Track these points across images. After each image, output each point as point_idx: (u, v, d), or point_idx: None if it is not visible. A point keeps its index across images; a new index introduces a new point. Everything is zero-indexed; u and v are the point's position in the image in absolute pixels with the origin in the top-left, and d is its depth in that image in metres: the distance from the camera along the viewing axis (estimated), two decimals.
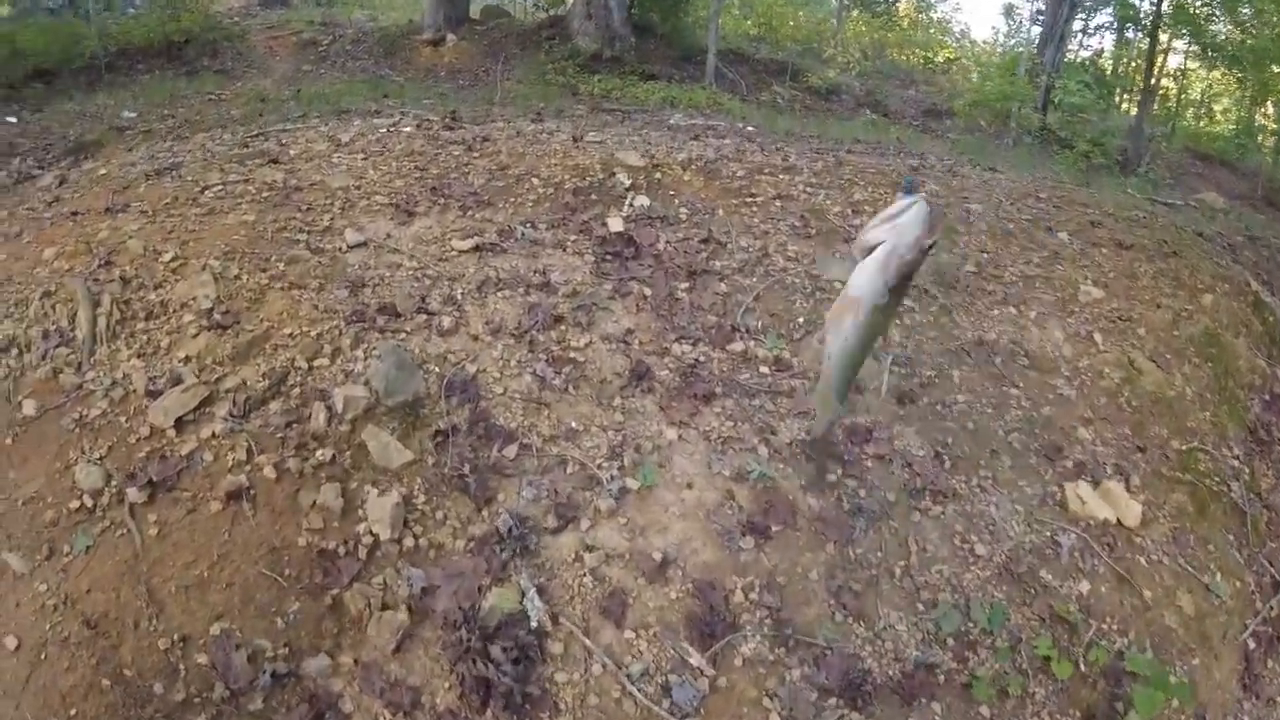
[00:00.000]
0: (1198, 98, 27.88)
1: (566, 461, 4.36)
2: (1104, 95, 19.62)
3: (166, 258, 5.24)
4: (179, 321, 4.80)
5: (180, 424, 4.26)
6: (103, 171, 7.45)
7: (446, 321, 4.96)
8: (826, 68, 19.38)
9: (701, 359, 5.00)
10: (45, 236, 5.67)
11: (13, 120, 13.69)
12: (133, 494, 3.97)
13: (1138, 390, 5.70)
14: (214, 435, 4.22)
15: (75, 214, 6.05)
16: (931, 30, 30.45)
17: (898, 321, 5.53)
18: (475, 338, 4.91)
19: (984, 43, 33.24)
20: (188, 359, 4.59)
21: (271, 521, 3.96)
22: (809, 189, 7.16)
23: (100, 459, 4.13)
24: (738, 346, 5.13)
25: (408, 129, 8.39)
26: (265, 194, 6.27)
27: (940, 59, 27.02)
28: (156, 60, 18.33)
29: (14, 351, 4.64)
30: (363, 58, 18.79)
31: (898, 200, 1.94)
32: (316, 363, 4.63)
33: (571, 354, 4.88)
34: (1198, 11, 19.63)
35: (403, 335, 4.83)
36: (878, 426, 4.79)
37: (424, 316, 4.99)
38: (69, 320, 4.77)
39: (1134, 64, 25.15)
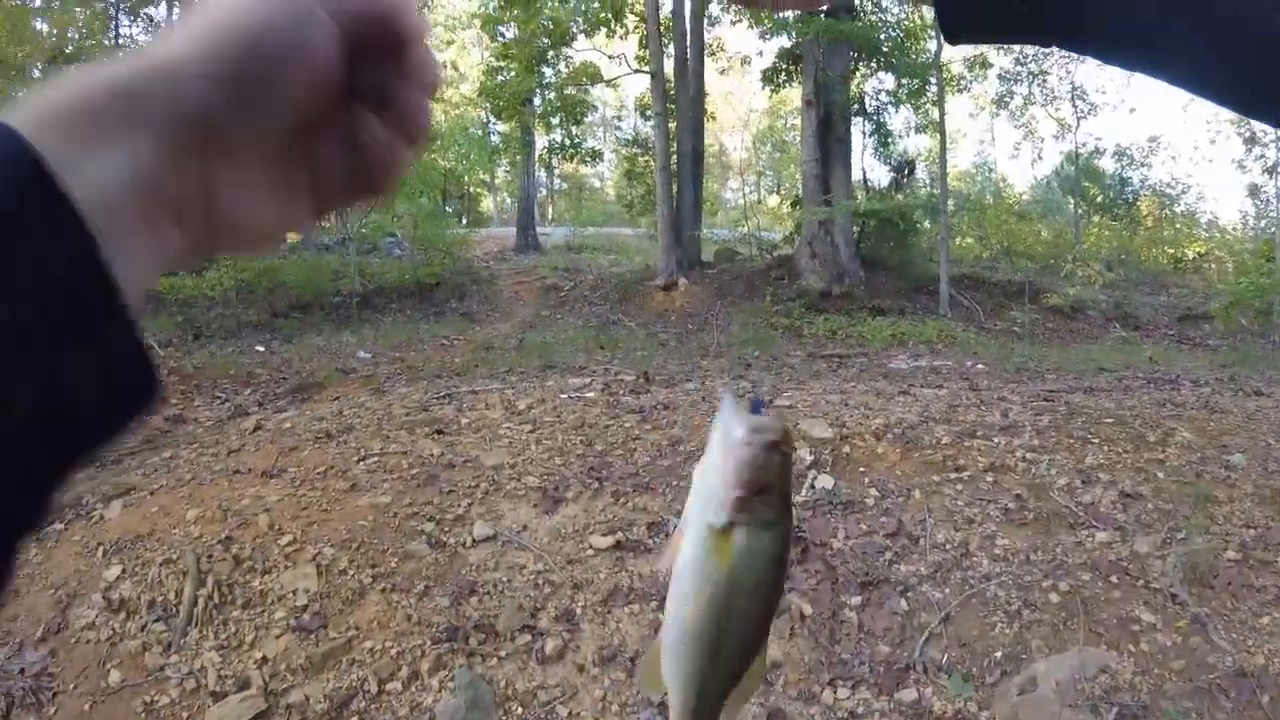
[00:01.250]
0: None
1: None
2: None
3: (285, 540, 5.04)
4: (270, 616, 4.51)
5: None
6: (288, 425, 7.47)
7: (551, 645, 4.21)
8: (1068, 284, 18.04)
9: (859, 709, 3.91)
10: (201, 494, 5.72)
11: (261, 349, 14.60)
12: None
13: None
14: None
15: (238, 472, 6.08)
16: (1178, 225, 28.36)
17: (1130, 649, 4.25)
18: (581, 668, 4.11)
19: (1233, 229, 30.74)
20: (264, 660, 4.24)
21: None
22: (1030, 455, 6.05)
23: None
24: (909, 694, 4.00)
25: (592, 393, 7.98)
26: (414, 470, 5.98)
27: (1191, 254, 24.97)
28: (408, 300, 19.45)
29: (122, 615, 4.60)
30: (599, 303, 19.19)
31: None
32: (389, 686, 4.05)
33: None
34: None
35: (494, 661, 4.11)
36: None
37: (528, 637, 4.28)
38: (175, 594, 4.70)
39: None
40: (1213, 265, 23.66)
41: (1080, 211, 27.16)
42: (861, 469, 5.93)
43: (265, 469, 6.09)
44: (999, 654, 4.24)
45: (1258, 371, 10.56)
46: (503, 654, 4.18)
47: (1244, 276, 16.26)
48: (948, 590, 4.69)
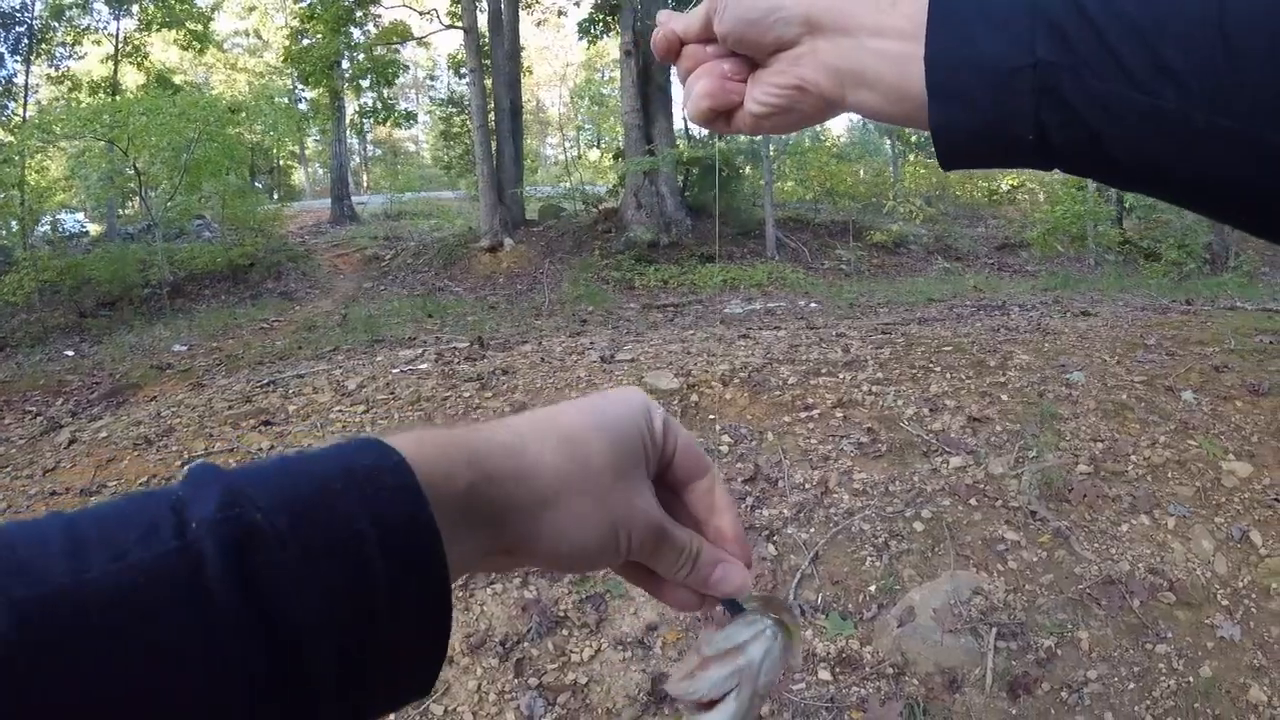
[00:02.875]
0: None
1: None
2: None
3: None
4: None
5: None
6: (104, 435, 6.89)
7: None
8: (890, 221, 18.56)
9: None
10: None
11: (71, 354, 13.71)
12: None
13: None
14: None
15: (55, 493, 5.57)
16: None
17: (999, 568, 4.29)
18: (450, 660, 3.84)
19: None
20: None
21: None
22: (875, 388, 6.07)
23: None
24: None
25: (425, 365, 7.64)
26: None
27: (1005, 187, 26.21)
28: (222, 285, 18.49)
29: None
30: (423, 270, 18.68)
31: (727, 625, 0.83)
32: None
33: (570, 674, 3.75)
34: None
35: None
36: None
37: None
38: None
39: None
40: (1026, 196, 24.83)
41: (898, 151, 28.00)
42: (711, 416, 5.84)
43: (84, 486, 5.60)
44: (873, 588, 4.21)
45: (1079, 293, 11.07)
46: None
47: (1058, 205, 17.07)
48: (813, 530, 4.63)
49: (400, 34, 24.17)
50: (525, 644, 3.89)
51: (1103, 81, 0.55)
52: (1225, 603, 4.30)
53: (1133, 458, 5.28)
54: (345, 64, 24.30)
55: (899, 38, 0.62)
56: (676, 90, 21.11)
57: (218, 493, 0.43)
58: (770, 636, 0.68)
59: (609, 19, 21.27)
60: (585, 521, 0.59)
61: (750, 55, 0.72)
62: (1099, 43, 0.55)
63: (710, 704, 0.67)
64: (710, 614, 0.72)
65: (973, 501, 4.73)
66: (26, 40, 24.31)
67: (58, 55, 26.24)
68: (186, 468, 0.44)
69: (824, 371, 6.39)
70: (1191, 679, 3.89)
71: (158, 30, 26.54)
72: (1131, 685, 3.84)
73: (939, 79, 0.60)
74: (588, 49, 29.49)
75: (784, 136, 31.19)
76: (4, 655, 0.34)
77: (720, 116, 0.76)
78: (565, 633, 3.98)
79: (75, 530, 0.40)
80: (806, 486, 4.97)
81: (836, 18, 0.66)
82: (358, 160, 49.30)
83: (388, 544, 0.46)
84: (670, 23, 0.78)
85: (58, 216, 21.96)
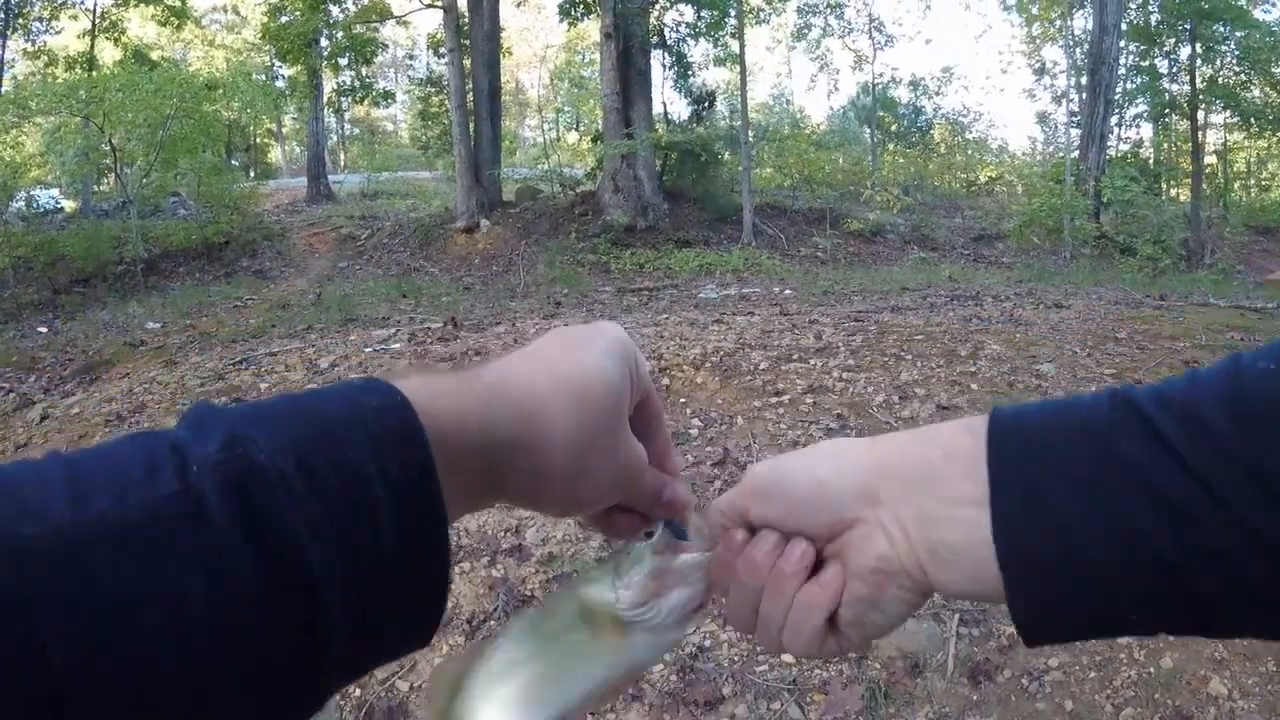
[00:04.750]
0: (1244, 169, 27.41)
1: None
2: (1151, 186, 18.95)
3: None
4: None
5: None
6: (76, 411, 6.86)
7: None
8: (867, 209, 18.61)
9: (707, 643, 3.84)
10: None
11: (44, 330, 13.57)
12: None
13: None
14: None
15: None
16: (970, 151, 29.87)
17: None
18: None
19: (1023, 154, 32.71)
20: None
21: None
22: (846, 375, 6.11)
23: None
24: None
25: (398, 344, 7.63)
26: None
27: (983, 179, 26.35)
28: (196, 263, 18.34)
29: None
30: (399, 250, 18.59)
31: (675, 549, 0.80)
32: None
33: None
34: (1232, 81, 19.37)
35: None
36: None
37: None
38: None
39: (1175, 148, 24.70)
40: (1003, 189, 24.97)
41: (876, 140, 28.06)
42: (683, 399, 5.87)
43: None
44: None
45: (1054, 285, 11.14)
46: None
47: (1036, 198, 17.17)
48: None
49: (379, 12, 24.00)
50: (491, 622, 3.92)
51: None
52: None
53: None
54: (324, 42, 24.08)
55: (967, 503, 0.56)
56: (656, 74, 21.07)
57: (220, 433, 0.42)
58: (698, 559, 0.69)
59: (590, 1, 21.17)
60: (591, 480, 0.58)
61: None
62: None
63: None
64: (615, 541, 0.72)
65: None
66: (3, 14, 23.99)
67: (34, 30, 25.90)
68: (186, 408, 0.44)
69: (795, 357, 6.42)
70: (1152, 669, 3.94)
71: (135, 5, 26.21)
72: (1092, 674, 3.90)
73: (1009, 551, 0.54)
74: (568, 31, 29.40)
75: (764, 121, 31.19)
76: (5, 594, 0.34)
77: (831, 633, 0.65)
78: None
79: (76, 471, 0.39)
80: None
81: (894, 485, 0.61)
82: (335, 139, 48.95)
83: (395, 491, 0.45)
84: (716, 516, 0.72)
85: (32, 193, 21.72)
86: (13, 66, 26.03)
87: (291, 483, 0.41)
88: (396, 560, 0.45)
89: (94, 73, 21.99)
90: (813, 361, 6.35)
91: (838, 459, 0.65)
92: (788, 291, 10.50)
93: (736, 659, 3.80)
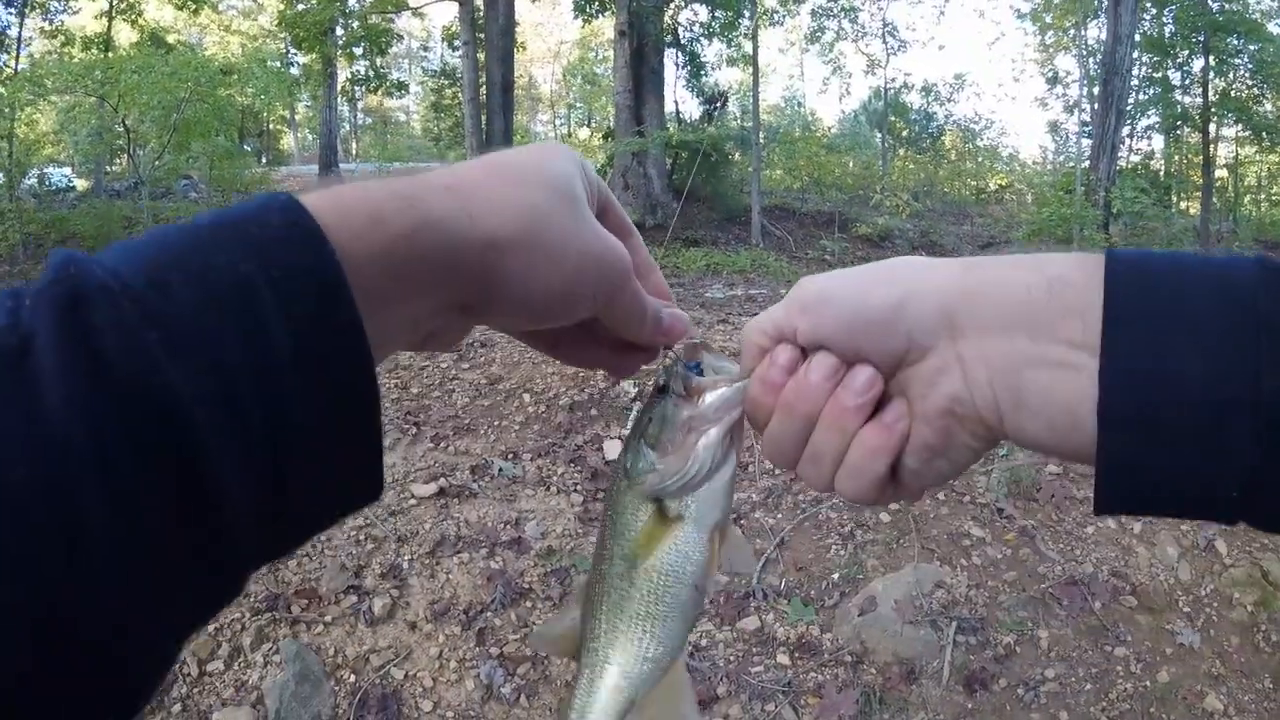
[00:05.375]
0: (1255, 183, 27.41)
1: None
2: (1161, 198, 18.89)
3: None
4: None
5: None
6: None
7: (380, 604, 3.95)
8: (876, 214, 18.60)
9: (703, 642, 3.85)
10: None
11: None
12: None
13: (1277, 618, 4.40)
14: None
15: None
16: (980, 159, 29.84)
17: (963, 563, 4.35)
18: (413, 626, 3.87)
19: (1034, 163, 32.65)
20: None
21: None
22: None
23: None
24: (752, 622, 3.97)
25: None
26: None
27: (993, 187, 26.32)
28: None
29: None
30: None
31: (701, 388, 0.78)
32: (210, 667, 3.66)
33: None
34: (1245, 95, 19.32)
35: (320, 628, 3.82)
36: None
37: (354, 598, 3.99)
38: None
39: (1186, 160, 24.68)
40: (1013, 197, 24.89)
41: (887, 144, 28.02)
42: None
43: None
44: (836, 576, 4.27)
45: None
46: (328, 619, 3.89)
47: (1045, 207, 17.10)
48: (780, 515, 4.68)
49: (395, 3, 24.00)
50: (488, 614, 3.93)
51: None
52: (1187, 609, 4.37)
53: None
54: (339, 30, 24.09)
55: (1068, 344, 0.50)
56: (669, 73, 21.05)
57: (56, 264, 0.37)
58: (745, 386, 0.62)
59: None
60: (553, 255, 0.51)
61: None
62: None
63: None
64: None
65: (940, 496, 4.78)
66: None
67: (52, 9, 25.90)
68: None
69: None
70: (1149, 683, 3.95)
71: None
72: (1089, 686, 3.91)
73: (1116, 404, 0.48)
74: (582, 27, 29.38)
75: (775, 123, 31.19)
76: None
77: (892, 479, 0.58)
78: (529, 604, 4.02)
79: None
80: (776, 472, 5.01)
81: (984, 312, 0.53)
82: (347, 128, 48.94)
83: (279, 290, 0.38)
84: (754, 335, 0.63)
85: (45, 170, 21.71)
86: (30, 45, 26.09)
87: (140, 296, 0.36)
88: (295, 373, 0.38)
89: (110, 54, 21.99)
90: None
91: (915, 277, 0.56)
92: None
93: (732, 659, 3.81)
